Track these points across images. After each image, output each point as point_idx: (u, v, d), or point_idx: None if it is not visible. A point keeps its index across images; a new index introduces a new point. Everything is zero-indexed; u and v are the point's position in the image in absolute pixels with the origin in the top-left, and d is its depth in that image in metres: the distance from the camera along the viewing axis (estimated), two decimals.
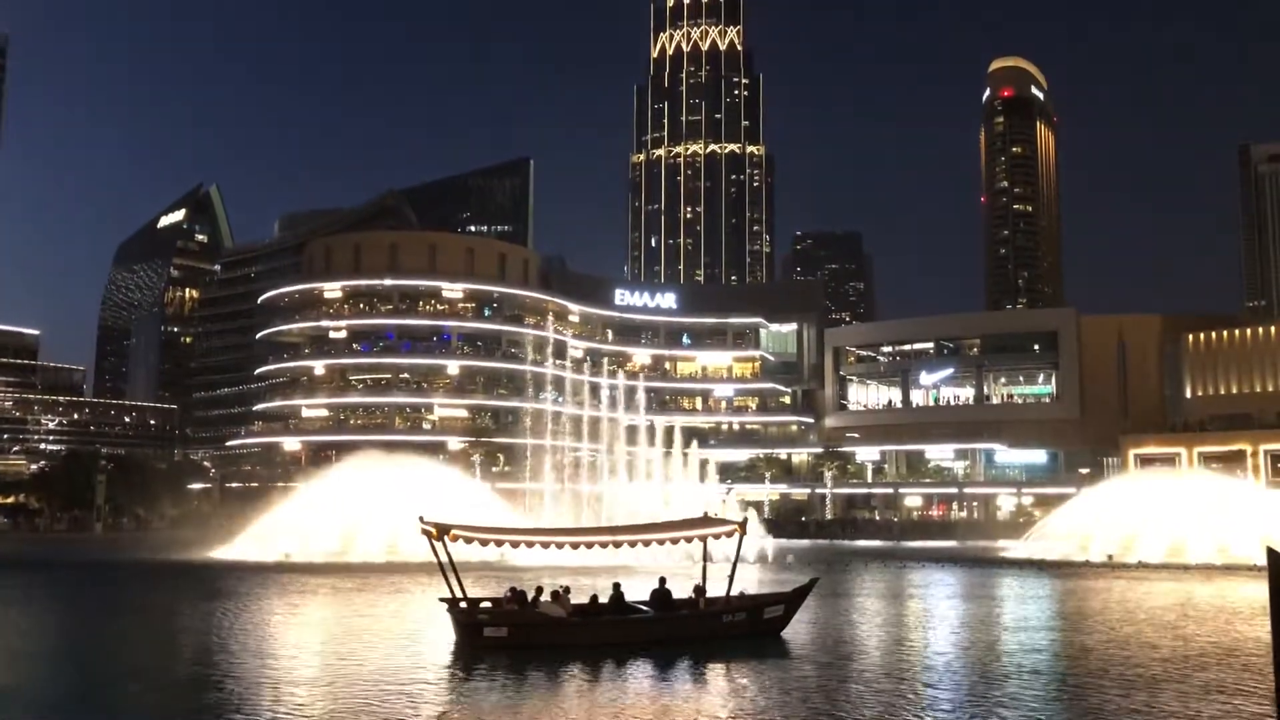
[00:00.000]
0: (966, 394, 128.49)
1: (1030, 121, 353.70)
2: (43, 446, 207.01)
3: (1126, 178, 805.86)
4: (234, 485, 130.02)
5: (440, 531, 24.19)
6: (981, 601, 39.45)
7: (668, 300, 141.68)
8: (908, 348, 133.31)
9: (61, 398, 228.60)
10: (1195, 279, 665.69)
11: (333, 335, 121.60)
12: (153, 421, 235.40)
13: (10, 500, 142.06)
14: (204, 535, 69.86)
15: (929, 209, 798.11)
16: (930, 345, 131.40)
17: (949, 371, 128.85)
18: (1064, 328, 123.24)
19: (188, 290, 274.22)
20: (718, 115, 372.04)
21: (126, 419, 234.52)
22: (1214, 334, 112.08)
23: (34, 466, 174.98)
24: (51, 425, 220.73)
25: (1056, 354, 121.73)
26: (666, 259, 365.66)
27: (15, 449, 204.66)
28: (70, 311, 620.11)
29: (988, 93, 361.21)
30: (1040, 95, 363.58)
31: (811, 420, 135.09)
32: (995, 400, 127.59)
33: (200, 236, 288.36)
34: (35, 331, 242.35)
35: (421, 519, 24.79)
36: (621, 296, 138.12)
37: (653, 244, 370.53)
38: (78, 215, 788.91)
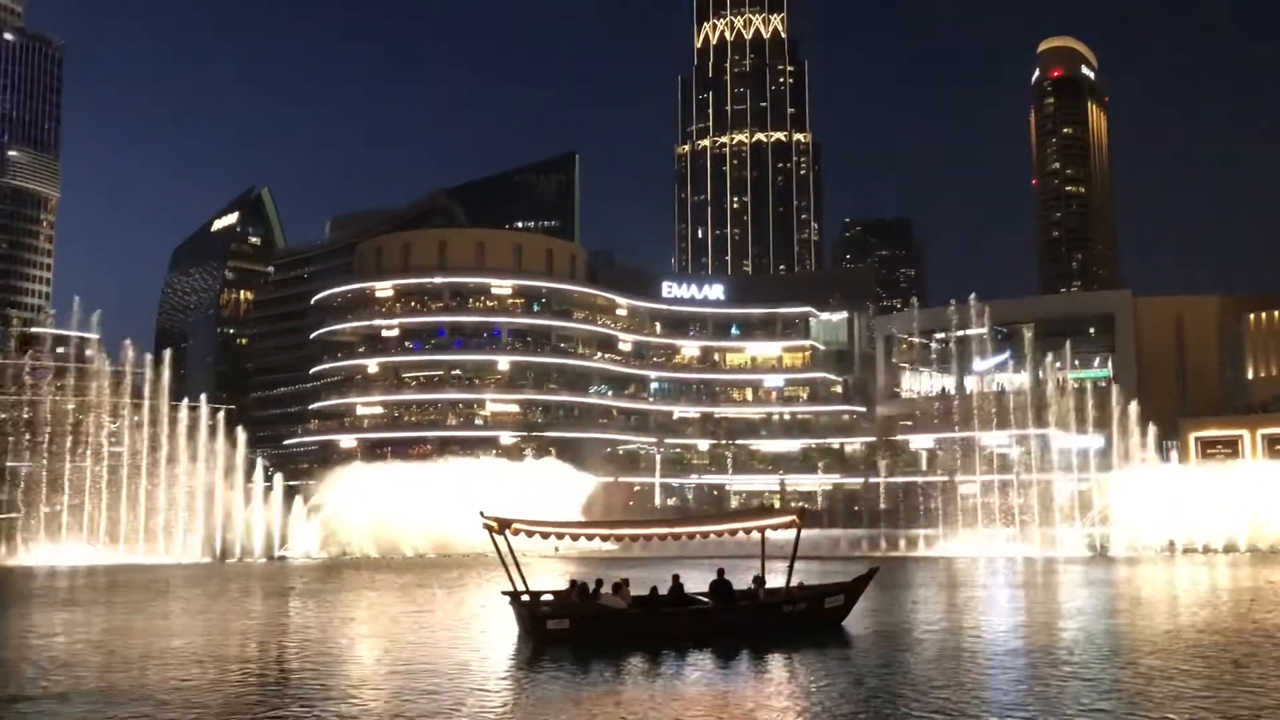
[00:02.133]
0: (1021, 379, 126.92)
1: (1081, 102, 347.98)
2: (105, 449, 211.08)
3: (1181, 156, 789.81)
4: (292, 484, 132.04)
5: (502, 526, 24.49)
6: (1042, 589, 39.12)
7: (716, 291, 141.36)
8: (961, 334, 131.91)
9: (123, 400, 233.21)
10: (1255, 258, 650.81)
11: (385, 334, 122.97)
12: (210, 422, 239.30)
13: (77, 501, 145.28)
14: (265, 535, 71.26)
15: (980, 193, 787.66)
16: (984, 331, 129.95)
17: (1003, 357, 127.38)
18: (1120, 310, 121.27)
19: (242, 292, 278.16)
20: (763, 104, 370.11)
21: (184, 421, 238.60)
22: (1276, 313, 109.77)
23: (96, 468, 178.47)
24: (113, 428, 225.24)
25: (1112, 337, 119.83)
26: (714, 250, 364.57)
27: (80, 451, 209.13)
28: (129, 316, 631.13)
29: (1037, 73, 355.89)
30: (1091, 75, 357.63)
31: (864, 409, 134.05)
32: (1051, 385, 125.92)
33: (253, 239, 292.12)
34: (95, 336, 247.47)
35: (483, 514, 25.10)
36: (669, 289, 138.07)
37: (699, 235, 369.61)
38: (134, 221, 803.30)
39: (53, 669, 21.82)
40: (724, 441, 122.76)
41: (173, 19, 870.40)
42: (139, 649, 25.20)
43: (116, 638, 27.60)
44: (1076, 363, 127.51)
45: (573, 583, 26.42)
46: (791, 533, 26.99)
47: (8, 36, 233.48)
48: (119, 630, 29.21)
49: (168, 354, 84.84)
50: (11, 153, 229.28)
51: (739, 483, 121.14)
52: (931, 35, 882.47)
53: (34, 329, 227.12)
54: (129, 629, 29.46)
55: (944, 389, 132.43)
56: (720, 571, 26.75)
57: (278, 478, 79.06)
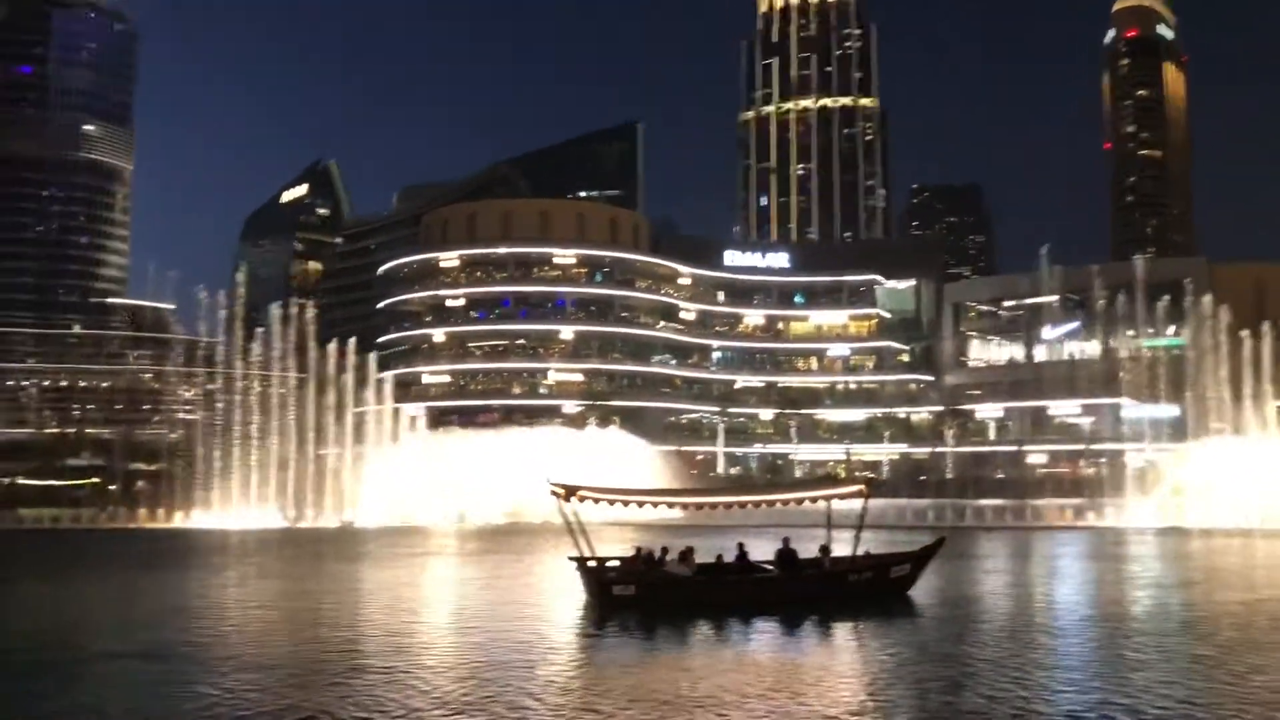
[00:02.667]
0: (1093, 348, 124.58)
1: (1157, 62, 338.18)
2: (180, 416, 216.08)
3: (1263, 119, 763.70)
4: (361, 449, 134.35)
5: (568, 492, 24.71)
6: (1111, 561, 38.50)
7: (780, 260, 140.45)
8: (1031, 301, 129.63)
9: (197, 369, 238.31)
10: None
11: (450, 303, 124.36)
12: (282, 390, 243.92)
13: (154, 467, 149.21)
14: (335, 501, 72.52)
15: (1051, 157, 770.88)
16: (1054, 298, 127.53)
17: (1074, 325, 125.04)
18: (1196, 277, 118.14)
19: (311, 263, 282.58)
20: (828, 69, 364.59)
21: (257, 387, 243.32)
22: None
23: (173, 436, 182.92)
24: (188, 396, 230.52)
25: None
26: (778, 218, 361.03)
27: (156, 419, 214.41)
28: (202, 286, 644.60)
29: (1111, 34, 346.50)
30: (1168, 34, 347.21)
31: (931, 378, 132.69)
32: (1123, 354, 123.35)
33: (321, 210, 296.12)
34: (171, 306, 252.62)
35: (550, 480, 25.32)
36: (732, 257, 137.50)
37: (763, 203, 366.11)
38: (206, 193, 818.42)
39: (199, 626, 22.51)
40: (788, 411, 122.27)
41: None
42: (224, 612, 25.93)
43: (202, 601, 28.41)
44: (1150, 330, 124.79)
45: (638, 550, 26.59)
46: (856, 502, 26.93)
47: (91, 15, 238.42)
48: (200, 594, 30.06)
49: (242, 275, 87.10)
50: (88, 127, 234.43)
51: (803, 452, 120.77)
52: None
53: (112, 299, 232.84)
54: (210, 592, 30.30)
55: (1013, 357, 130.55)
56: (786, 540, 26.74)
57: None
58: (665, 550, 26.11)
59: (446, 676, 16.90)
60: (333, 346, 78.33)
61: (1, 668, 17.83)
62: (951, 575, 31.67)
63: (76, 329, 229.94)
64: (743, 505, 28.33)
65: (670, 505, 26.69)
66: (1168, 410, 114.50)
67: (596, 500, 25.42)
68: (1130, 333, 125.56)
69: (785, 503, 28.19)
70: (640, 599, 24.28)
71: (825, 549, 26.46)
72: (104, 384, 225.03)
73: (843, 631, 22.12)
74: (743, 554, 26.30)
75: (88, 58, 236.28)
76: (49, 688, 16.23)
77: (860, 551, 26.65)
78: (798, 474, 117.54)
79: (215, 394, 78.67)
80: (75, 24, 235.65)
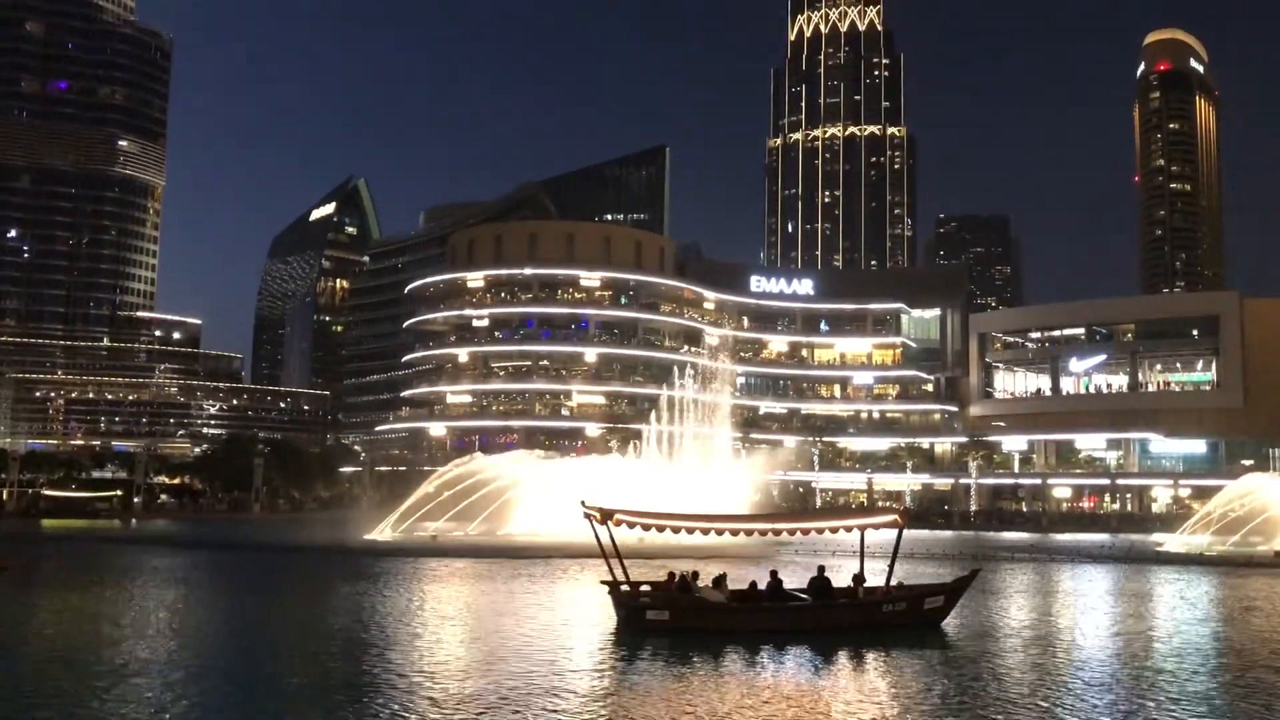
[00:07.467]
0: (1120, 381, 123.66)
1: (1189, 96, 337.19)
2: (205, 430, 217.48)
3: None
4: (383, 469, 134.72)
5: (604, 516, 24.60)
6: (1140, 598, 38.01)
7: (805, 286, 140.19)
8: (1057, 333, 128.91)
9: (222, 384, 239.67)
10: None
11: (476, 324, 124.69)
12: (306, 407, 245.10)
13: (176, 481, 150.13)
14: (356, 516, 72.04)
15: (1080, 190, 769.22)
16: (1081, 331, 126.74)
17: (1101, 358, 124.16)
18: (1226, 311, 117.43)
19: (338, 281, 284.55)
20: (857, 97, 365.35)
21: (282, 405, 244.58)
22: None
23: (197, 450, 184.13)
24: (213, 410, 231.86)
25: (1217, 339, 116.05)
26: (804, 244, 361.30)
27: (180, 433, 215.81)
28: (229, 302, 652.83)
29: (1142, 67, 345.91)
30: (1200, 68, 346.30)
31: (955, 409, 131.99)
32: (1151, 388, 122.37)
33: (350, 229, 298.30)
34: (198, 321, 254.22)
35: (584, 503, 25.22)
36: (757, 283, 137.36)
37: (789, 229, 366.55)
38: (236, 210, 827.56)
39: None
40: (811, 438, 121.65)
41: (276, 13, 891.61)
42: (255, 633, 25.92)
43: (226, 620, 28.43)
44: (1179, 365, 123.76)
45: (671, 575, 26.45)
46: (884, 533, 26.77)
47: (127, 33, 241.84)
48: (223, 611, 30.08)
49: None
50: (121, 143, 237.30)
51: (825, 480, 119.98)
52: (1033, 27, 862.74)
53: (140, 313, 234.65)
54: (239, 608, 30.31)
55: (1039, 389, 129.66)
56: (820, 569, 26.56)
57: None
58: (697, 575, 25.98)
59: (472, 697, 16.81)
60: None
61: None
62: (982, 607, 31.34)
63: (105, 342, 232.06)
64: (778, 533, 28.16)
65: (705, 531, 26.49)
66: (1196, 445, 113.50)
67: (631, 525, 25.31)
68: (1158, 366, 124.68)
69: (821, 531, 28.01)
70: (674, 625, 24.15)
71: (859, 578, 26.27)
72: (130, 397, 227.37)
73: (873, 662, 21.89)
74: (776, 582, 26.13)
75: (123, 75, 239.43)
76: None
77: (893, 581, 26.45)
78: (819, 502, 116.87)
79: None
80: (111, 41, 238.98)
